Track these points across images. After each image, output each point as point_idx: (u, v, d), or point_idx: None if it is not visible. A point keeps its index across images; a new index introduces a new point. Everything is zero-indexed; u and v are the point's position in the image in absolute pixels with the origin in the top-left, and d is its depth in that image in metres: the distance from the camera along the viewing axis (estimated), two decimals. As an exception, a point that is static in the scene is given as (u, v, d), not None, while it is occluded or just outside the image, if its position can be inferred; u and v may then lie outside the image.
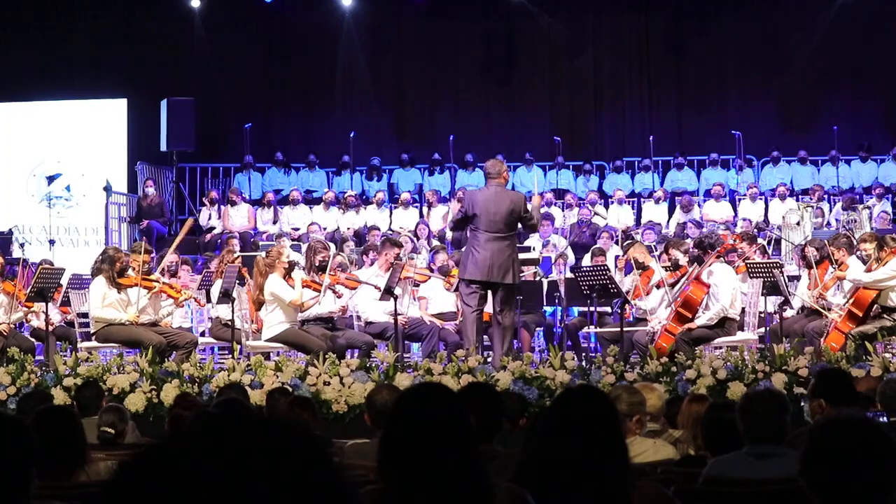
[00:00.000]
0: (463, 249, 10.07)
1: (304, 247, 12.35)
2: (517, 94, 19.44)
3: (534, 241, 14.97)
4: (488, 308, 9.67)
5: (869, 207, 15.52)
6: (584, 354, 10.65)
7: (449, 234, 14.26)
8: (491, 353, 9.90)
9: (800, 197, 16.88)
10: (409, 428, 2.65)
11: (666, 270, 10.51)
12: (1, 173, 17.55)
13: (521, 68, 19.52)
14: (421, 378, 8.85)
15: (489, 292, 9.54)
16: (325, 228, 16.33)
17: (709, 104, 19.14)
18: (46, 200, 17.41)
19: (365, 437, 5.17)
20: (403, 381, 8.55)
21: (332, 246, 14.57)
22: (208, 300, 11.14)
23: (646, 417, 5.33)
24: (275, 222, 16.88)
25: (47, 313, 10.35)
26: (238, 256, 11.44)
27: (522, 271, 10.55)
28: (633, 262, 10.92)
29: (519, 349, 10.18)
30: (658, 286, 10.65)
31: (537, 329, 11.89)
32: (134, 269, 10.25)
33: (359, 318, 11.24)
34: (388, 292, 10.28)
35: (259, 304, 10.05)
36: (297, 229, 16.47)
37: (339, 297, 10.52)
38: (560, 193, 17.47)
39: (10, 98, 17.56)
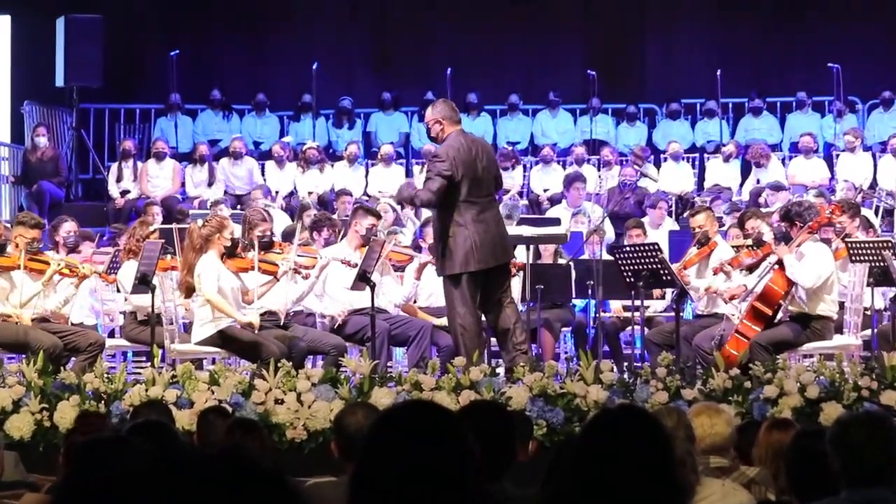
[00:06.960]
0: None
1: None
2: (539, 13, 19.41)
3: (560, 210, 14.97)
4: None
5: None
6: (626, 364, 10.65)
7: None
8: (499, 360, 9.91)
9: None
10: (391, 461, 2.64)
11: (739, 249, 10.51)
12: None
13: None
14: (407, 395, 8.88)
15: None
16: (277, 192, 16.32)
17: (795, 29, 19.12)
18: None
19: (331, 475, 5.19)
20: (383, 398, 8.57)
21: (288, 217, 14.59)
22: (118, 290, 11.13)
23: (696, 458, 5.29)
24: (210, 184, 16.88)
25: None
26: (156, 230, 11.42)
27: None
28: (695, 231, 10.93)
29: (539, 356, 10.18)
30: (720, 269, 10.62)
31: (563, 329, 11.91)
32: (17, 245, 10.22)
33: (322, 315, 11.23)
34: (362, 279, 10.25)
35: (189, 289, 9.99)
36: (240, 195, 16.48)
37: (306, 277, 10.44)
38: (595, 147, 17.48)
39: None
